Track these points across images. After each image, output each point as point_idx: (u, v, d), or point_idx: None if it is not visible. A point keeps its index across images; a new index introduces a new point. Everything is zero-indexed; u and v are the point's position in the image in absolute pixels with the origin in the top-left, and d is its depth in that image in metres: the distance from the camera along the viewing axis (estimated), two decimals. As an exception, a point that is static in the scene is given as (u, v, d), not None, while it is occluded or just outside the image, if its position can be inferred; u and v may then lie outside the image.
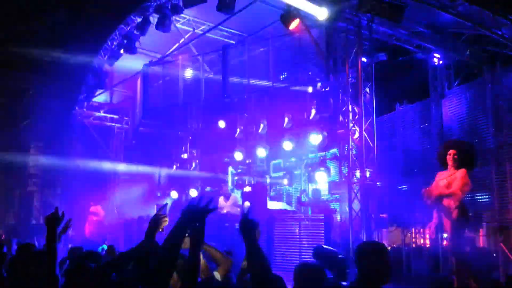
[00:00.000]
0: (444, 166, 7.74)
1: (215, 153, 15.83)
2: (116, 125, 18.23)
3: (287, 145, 13.34)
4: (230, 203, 12.57)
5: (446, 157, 7.63)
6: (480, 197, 9.89)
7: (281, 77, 12.35)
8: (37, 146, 17.62)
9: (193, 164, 16.45)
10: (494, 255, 9.45)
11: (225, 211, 12.22)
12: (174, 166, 16.59)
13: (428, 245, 11.08)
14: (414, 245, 11.23)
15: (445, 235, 8.27)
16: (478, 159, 7.89)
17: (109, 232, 15.14)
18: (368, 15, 10.14)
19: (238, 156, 14.41)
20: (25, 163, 17.09)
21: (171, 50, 13.96)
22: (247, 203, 12.50)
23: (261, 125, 14.36)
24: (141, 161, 17.01)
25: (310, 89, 12.40)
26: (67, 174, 16.83)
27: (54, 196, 17.19)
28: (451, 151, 7.61)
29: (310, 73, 11.87)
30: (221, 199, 12.62)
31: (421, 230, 11.24)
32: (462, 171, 7.37)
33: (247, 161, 14.48)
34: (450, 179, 7.43)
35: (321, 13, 9.80)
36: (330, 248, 9.15)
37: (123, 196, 16.96)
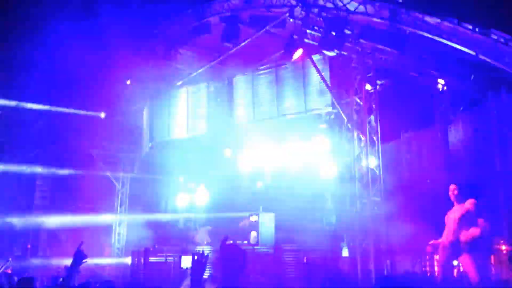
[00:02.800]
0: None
1: (223, 181, 15.79)
2: (123, 154, 18.22)
3: (293, 170, 13.34)
4: None
5: (448, 194, 7.75)
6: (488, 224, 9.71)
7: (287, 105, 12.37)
8: (44, 177, 17.68)
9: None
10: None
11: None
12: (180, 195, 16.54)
13: (438, 273, 10.87)
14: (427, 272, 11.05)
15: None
16: (479, 190, 8.00)
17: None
18: (371, 43, 10.23)
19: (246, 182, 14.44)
20: (31, 195, 17.11)
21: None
22: (253, 233, 12.42)
23: (268, 152, 14.36)
24: (148, 190, 16.99)
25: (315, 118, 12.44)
26: (73, 206, 16.81)
27: (61, 228, 17.12)
28: (451, 187, 7.72)
29: (315, 101, 11.91)
30: None
31: (433, 258, 11.06)
32: (472, 204, 7.42)
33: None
34: (461, 213, 7.47)
35: (324, 43, 9.85)
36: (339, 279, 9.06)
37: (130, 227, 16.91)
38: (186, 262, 11.77)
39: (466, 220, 7.50)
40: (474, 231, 7.26)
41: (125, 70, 13.62)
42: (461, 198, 7.61)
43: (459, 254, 7.45)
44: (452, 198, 7.72)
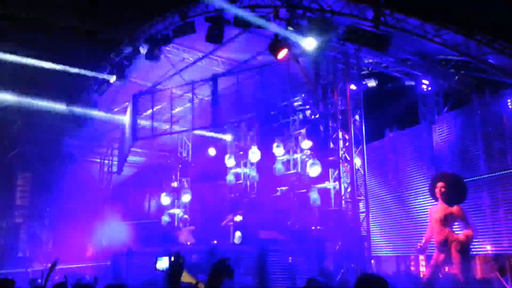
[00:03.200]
0: (435, 198, 7.87)
1: (206, 180, 15.74)
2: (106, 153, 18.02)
3: (278, 170, 13.34)
4: None
5: (435, 190, 7.75)
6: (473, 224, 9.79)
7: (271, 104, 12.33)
8: (24, 176, 17.39)
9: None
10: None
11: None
12: (164, 195, 16.39)
13: (424, 273, 10.96)
14: (415, 272, 11.14)
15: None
16: (467, 190, 7.92)
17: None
18: (356, 43, 10.20)
19: (230, 182, 14.40)
20: (12, 194, 16.83)
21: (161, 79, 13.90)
22: (238, 233, 12.38)
23: (252, 152, 14.34)
24: (131, 189, 16.84)
25: (300, 116, 12.42)
26: (54, 205, 16.57)
27: (41, 228, 16.89)
28: (439, 184, 7.74)
29: (300, 101, 11.89)
30: None
31: (418, 258, 11.15)
32: (459, 210, 7.44)
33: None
34: (444, 213, 7.53)
35: (309, 43, 9.82)
36: (323, 279, 9.04)
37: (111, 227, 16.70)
38: (162, 263, 11.40)
39: (448, 222, 7.58)
40: (468, 232, 7.35)
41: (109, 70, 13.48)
42: (447, 198, 7.65)
43: (449, 253, 7.49)
44: (438, 195, 7.76)
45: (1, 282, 5.52)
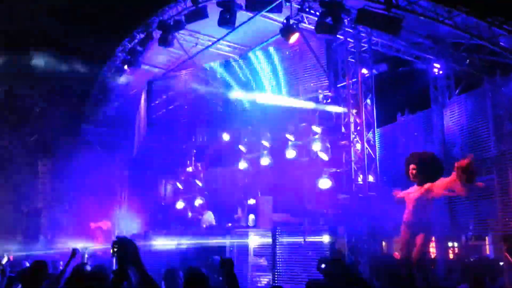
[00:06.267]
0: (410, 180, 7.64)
1: (220, 165, 15.92)
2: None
3: (290, 154, 13.43)
4: None
5: (408, 173, 7.53)
6: (483, 205, 9.89)
7: (284, 89, 12.44)
8: (44, 162, 17.77)
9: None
10: (501, 263, 9.42)
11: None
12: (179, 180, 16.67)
13: (434, 255, 11.07)
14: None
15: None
16: (443, 168, 7.52)
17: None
18: (367, 27, 10.26)
19: (243, 167, 14.56)
20: (32, 180, 17.24)
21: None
22: (251, 216, 12.57)
23: (265, 137, 14.46)
24: (146, 174, 17.10)
25: (311, 103, 12.49)
26: (74, 190, 16.94)
27: (62, 212, 17.28)
28: (411, 166, 7.44)
29: (312, 85, 11.97)
30: None
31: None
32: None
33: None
34: (416, 195, 7.43)
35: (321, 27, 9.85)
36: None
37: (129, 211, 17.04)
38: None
39: (418, 206, 7.42)
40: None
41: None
42: (421, 179, 7.37)
43: (417, 233, 7.41)
44: (411, 177, 7.51)
45: (35, 265, 5.71)
